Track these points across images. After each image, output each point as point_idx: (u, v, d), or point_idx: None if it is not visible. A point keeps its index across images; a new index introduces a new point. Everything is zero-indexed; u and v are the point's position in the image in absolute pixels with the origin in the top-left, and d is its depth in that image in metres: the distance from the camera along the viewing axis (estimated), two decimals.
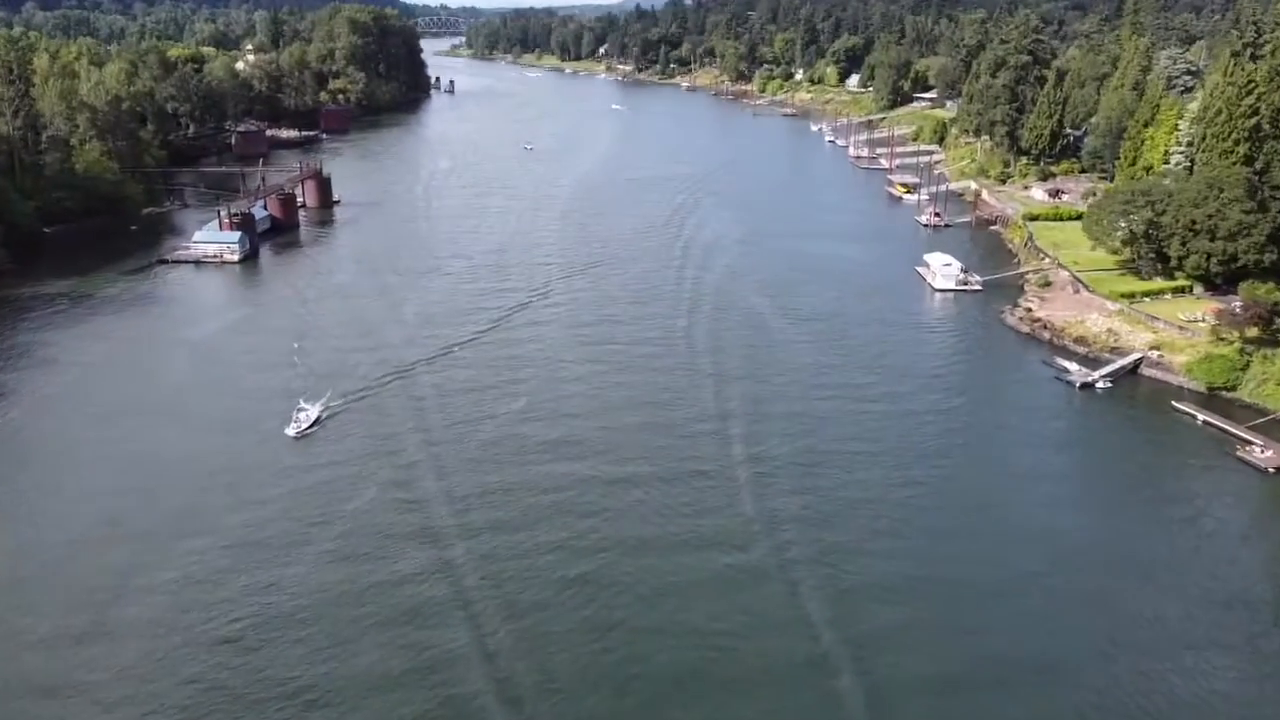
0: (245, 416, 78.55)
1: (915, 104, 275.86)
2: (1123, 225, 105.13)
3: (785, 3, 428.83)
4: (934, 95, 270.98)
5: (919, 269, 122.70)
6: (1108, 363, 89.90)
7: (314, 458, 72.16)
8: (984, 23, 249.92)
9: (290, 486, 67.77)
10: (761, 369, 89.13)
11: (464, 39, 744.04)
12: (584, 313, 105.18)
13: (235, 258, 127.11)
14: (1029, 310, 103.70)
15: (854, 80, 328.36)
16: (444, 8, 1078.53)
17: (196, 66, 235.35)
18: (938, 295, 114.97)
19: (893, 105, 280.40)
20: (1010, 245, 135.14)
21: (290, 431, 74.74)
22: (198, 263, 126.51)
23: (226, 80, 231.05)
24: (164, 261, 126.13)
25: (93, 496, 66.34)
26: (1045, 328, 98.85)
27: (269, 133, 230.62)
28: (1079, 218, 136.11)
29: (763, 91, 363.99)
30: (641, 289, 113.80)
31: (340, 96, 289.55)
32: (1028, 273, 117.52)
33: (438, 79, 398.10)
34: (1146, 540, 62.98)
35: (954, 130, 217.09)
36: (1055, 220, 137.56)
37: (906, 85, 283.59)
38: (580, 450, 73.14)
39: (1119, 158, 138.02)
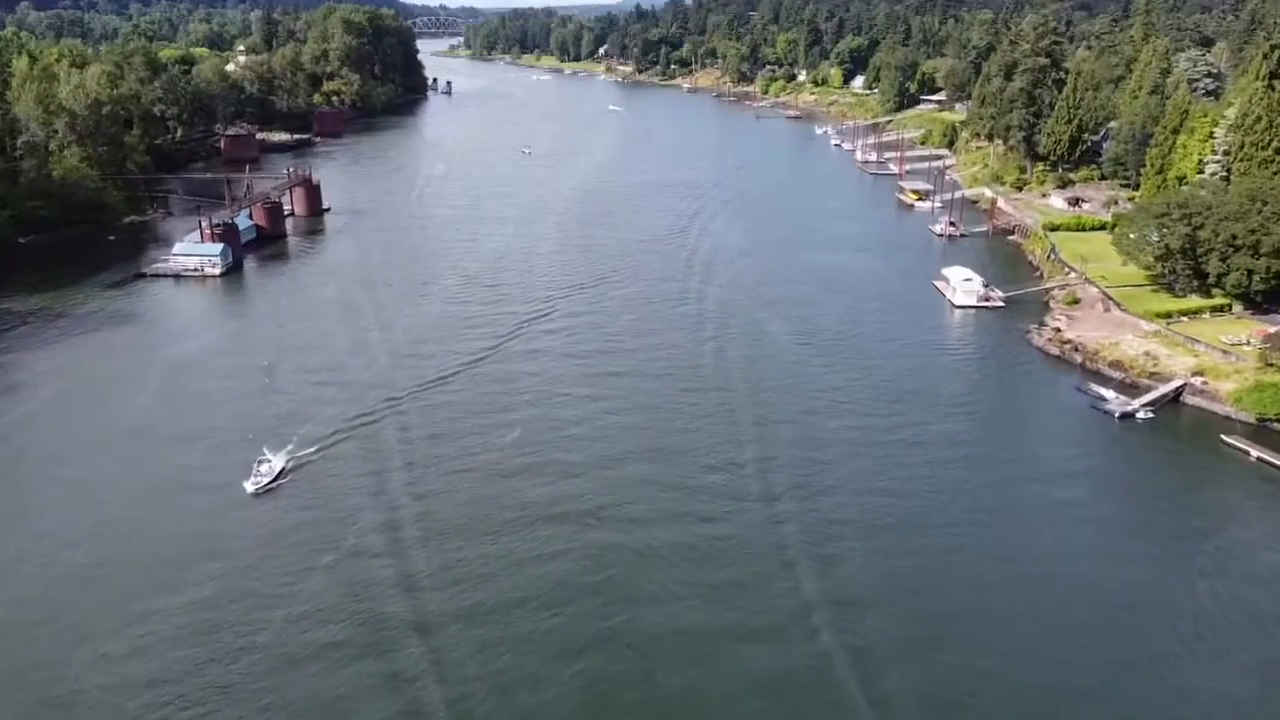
0: (203, 462, 70.62)
1: (922, 106, 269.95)
2: (1157, 240, 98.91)
3: (788, 2, 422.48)
4: (941, 98, 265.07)
5: (936, 283, 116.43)
6: (1147, 390, 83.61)
7: (269, 522, 62.75)
8: (994, 23, 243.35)
9: (236, 562, 58.24)
10: (775, 398, 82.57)
11: (462, 39, 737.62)
12: (584, 337, 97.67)
13: (217, 271, 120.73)
14: (1057, 330, 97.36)
15: (859, 82, 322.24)
16: (443, 8, 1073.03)
17: (185, 68, 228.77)
18: (957, 312, 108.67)
19: (899, 108, 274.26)
20: (1031, 258, 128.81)
21: (249, 487, 66.23)
22: (177, 276, 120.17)
23: (216, 82, 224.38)
24: (142, 275, 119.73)
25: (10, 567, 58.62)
26: (1076, 350, 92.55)
27: (259, 136, 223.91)
28: (1102, 228, 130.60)
29: (765, 93, 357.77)
30: (645, 309, 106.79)
31: (334, 99, 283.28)
32: (1053, 288, 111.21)
33: (435, 80, 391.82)
34: (1209, 601, 56.57)
35: (965, 134, 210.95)
36: (1078, 230, 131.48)
37: (913, 87, 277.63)
38: (582, 510, 64.28)
39: (1144, 165, 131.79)
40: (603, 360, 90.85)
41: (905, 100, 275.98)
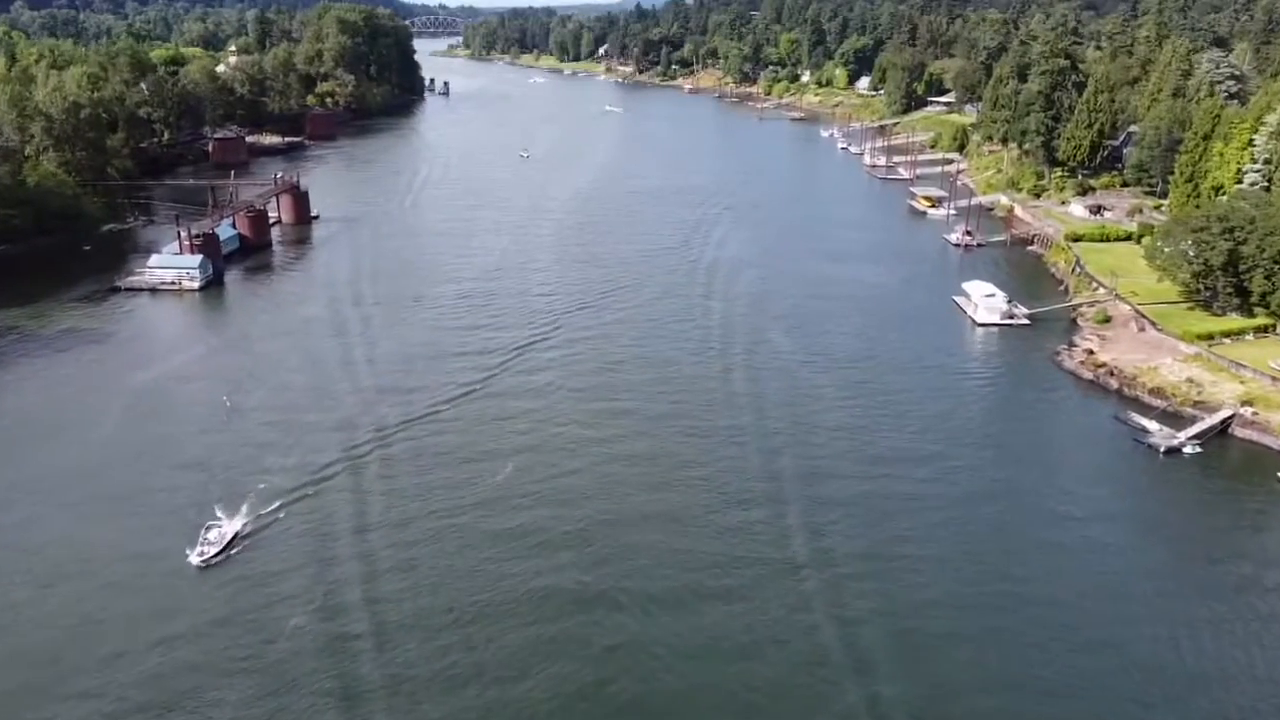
0: (147, 522, 62.27)
1: (930, 108, 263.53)
2: (1195, 256, 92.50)
3: (790, 2, 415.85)
4: (950, 99, 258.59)
5: (956, 299, 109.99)
6: (1192, 420, 77.20)
7: (212, 608, 53.79)
8: (1006, 23, 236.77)
9: (166, 658, 49.70)
10: (791, 439, 75.64)
11: (461, 39, 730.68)
12: (584, 366, 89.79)
13: (195, 285, 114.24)
14: (1090, 353, 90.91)
15: (864, 83, 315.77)
16: (442, 7, 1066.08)
17: (173, 70, 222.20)
18: (979, 330, 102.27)
19: (906, 109, 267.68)
20: (1054, 270, 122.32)
21: (194, 559, 57.32)
22: (154, 290, 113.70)
23: (204, 84, 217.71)
24: (116, 289, 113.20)
25: None
26: (1112, 374, 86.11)
27: (249, 139, 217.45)
28: (1128, 238, 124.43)
29: (768, 94, 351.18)
30: (649, 332, 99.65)
31: (328, 100, 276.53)
32: (1081, 305, 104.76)
33: (432, 81, 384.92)
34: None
35: (976, 137, 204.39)
36: (1102, 241, 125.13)
37: (920, 88, 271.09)
38: (577, 589, 55.74)
39: (1172, 173, 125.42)
40: (603, 392, 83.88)
41: (912, 102, 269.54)
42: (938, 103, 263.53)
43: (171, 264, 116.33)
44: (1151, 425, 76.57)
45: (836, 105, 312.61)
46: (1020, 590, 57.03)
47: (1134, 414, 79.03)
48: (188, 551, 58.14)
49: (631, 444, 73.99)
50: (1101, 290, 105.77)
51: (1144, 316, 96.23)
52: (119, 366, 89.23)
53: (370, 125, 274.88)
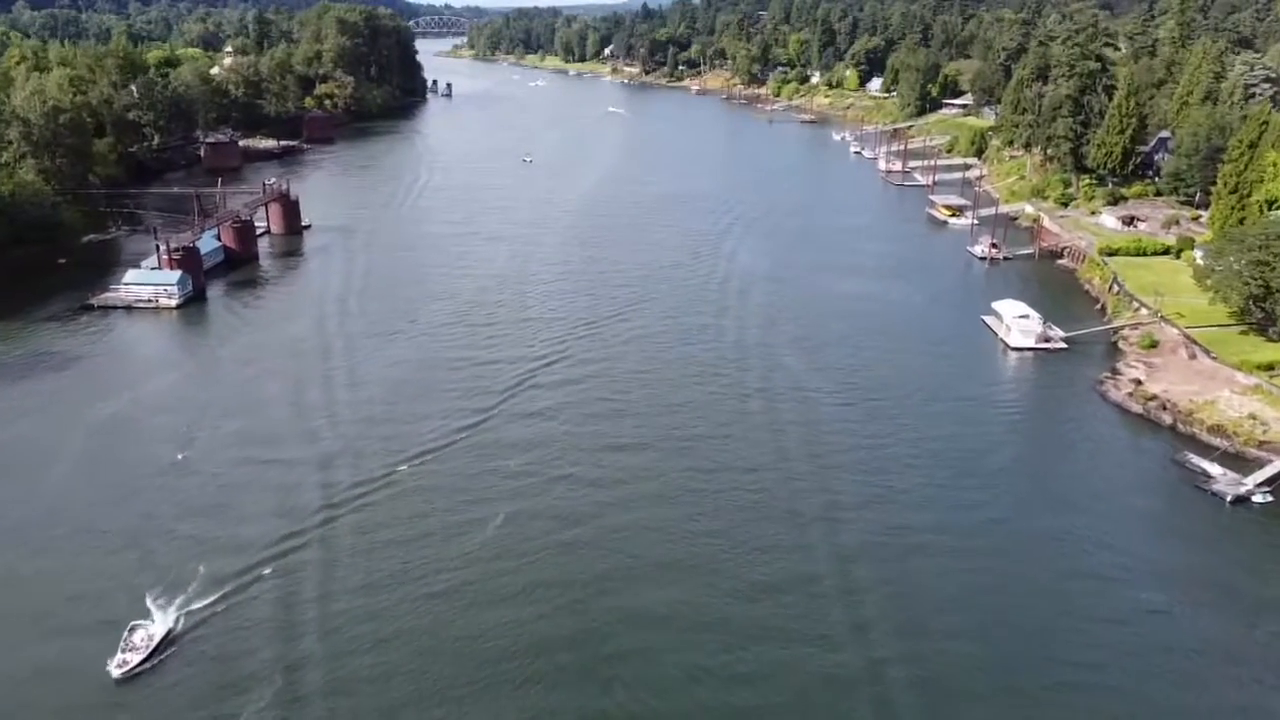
0: (71, 614, 52.43)
1: (944, 111, 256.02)
2: (1252, 276, 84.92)
3: (799, 2, 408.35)
4: (966, 101, 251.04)
5: (986, 319, 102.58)
6: (1257, 463, 69.87)
7: None
8: (1025, 23, 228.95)
9: None
10: (813, 477, 68.59)
11: (466, 40, 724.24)
12: (588, 397, 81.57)
13: (174, 302, 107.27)
14: (1138, 383, 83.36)
15: (876, 84, 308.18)
16: (448, 7, 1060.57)
17: (165, 71, 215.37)
18: (1013, 355, 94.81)
19: (920, 112, 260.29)
20: (1089, 287, 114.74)
21: (113, 670, 47.84)
22: (129, 308, 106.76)
23: (196, 86, 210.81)
24: (89, 307, 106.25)
25: None
26: (1164, 408, 78.57)
27: (243, 143, 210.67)
28: (1165, 252, 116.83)
29: (777, 95, 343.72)
30: (657, 355, 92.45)
31: (327, 102, 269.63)
32: (1123, 328, 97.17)
33: (434, 82, 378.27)
34: None
35: (996, 142, 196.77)
36: (1138, 255, 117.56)
37: (935, 90, 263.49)
38: (576, 682, 48.19)
39: (1213, 183, 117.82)
40: (608, 428, 76.27)
41: (927, 104, 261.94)
42: (953, 105, 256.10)
43: (148, 280, 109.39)
44: (1214, 469, 69.10)
45: (848, 107, 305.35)
46: (1072, 677, 49.64)
47: (1192, 455, 71.53)
48: (108, 661, 48.48)
49: (640, 489, 66.65)
50: (1144, 311, 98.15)
51: (1194, 342, 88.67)
52: (81, 396, 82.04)
53: (370, 128, 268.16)
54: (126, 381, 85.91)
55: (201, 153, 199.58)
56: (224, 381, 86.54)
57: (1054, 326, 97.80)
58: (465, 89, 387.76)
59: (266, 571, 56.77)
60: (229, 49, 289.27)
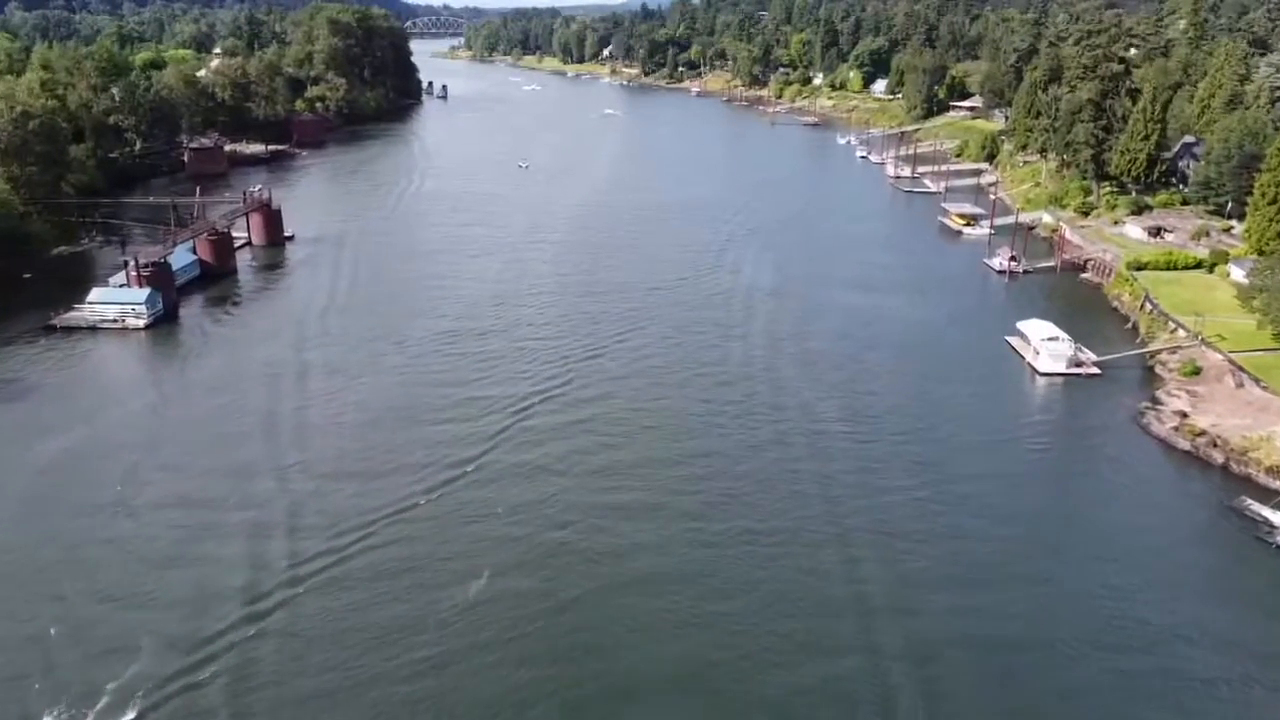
0: None
1: (952, 113, 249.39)
2: None
3: (800, 2, 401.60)
4: (974, 104, 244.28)
5: (1011, 340, 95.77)
6: None
7: None
8: (1036, 24, 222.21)
9: None
10: (839, 538, 61.24)
11: (463, 40, 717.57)
12: (590, 445, 72.77)
13: (142, 323, 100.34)
14: (1183, 415, 76.44)
15: (880, 86, 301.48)
16: (446, 8, 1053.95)
17: (147, 74, 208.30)
18: (1042, 381, 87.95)
19: (927, 115, 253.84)
20: (1118, 304, 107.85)
21: None
22: (94, 328, 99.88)
23: (179, 88, 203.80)
24: (51, 328, 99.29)
25: None
26: (1215, 445, 71.68)
27: (230, 148, 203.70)
28: (1198, 265, 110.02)
29: (779, 97, 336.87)
30: (659, 384, 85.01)
31: (318, 105, 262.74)
32: (1160, 352, 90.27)
33: (430, 84, 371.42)
34: None
35: (1008, 146, 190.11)
36: (1168, 269, 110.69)
37: (942, 92, 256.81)
38: None
39: (1249, 192, 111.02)
40: (608, 481, 68.30)
41: (934, 106, 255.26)
42: (961, 108, 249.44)
43: (115, 299, 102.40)
44: (1276, 518, 62.28)
45: (852, 110, 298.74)
46: None
47: (1250, 501, 64.72)
48: None
49: (645, 562, 58.99)
50: (1182, 333, 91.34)
51: (1241, 369, 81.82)
52: (29, 432, 74.96)
53: (362, 131, 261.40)
54: (81, 413, 78.89)
55: (185, 158, 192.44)
56: (187, 414, 79.43)
57: (1085, 349, 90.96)
58: (462, 91, 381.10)
59: (192, 680, 47.48)
60: (217, 50, 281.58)
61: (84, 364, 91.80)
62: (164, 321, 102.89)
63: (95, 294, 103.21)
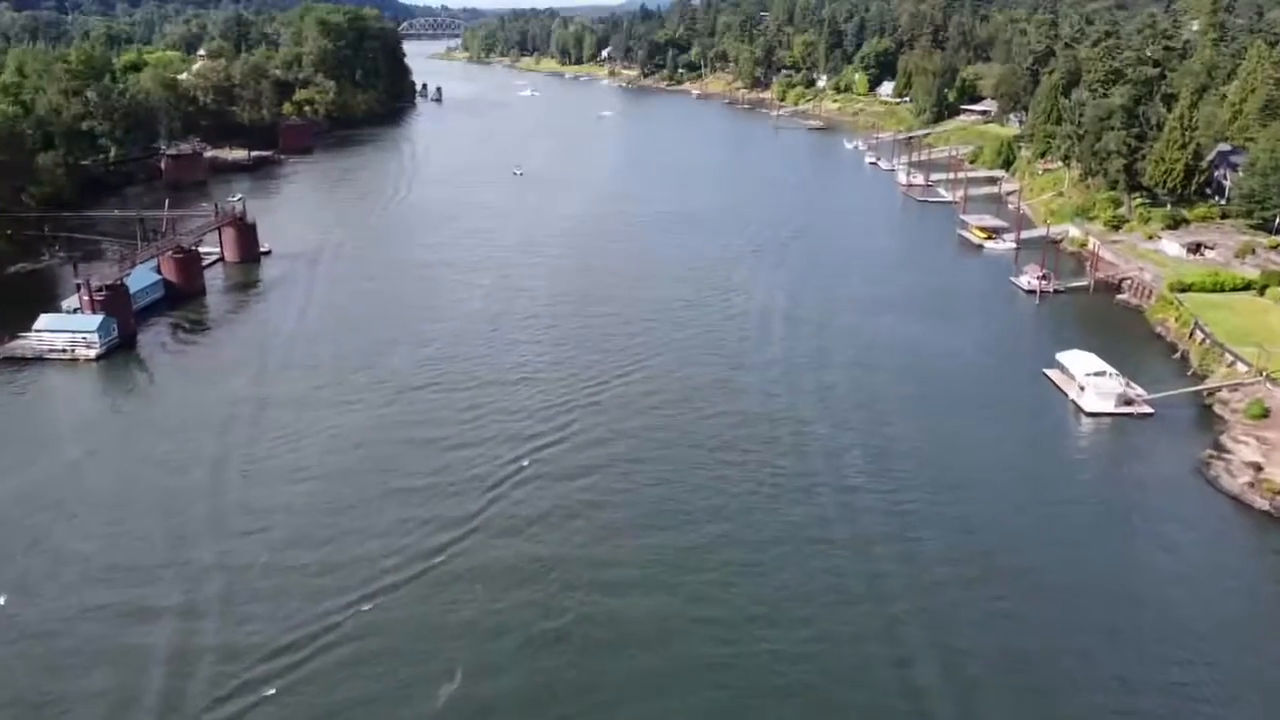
0: None
1: (963, 117, 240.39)
2: None
3: (802, 2, 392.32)
4: (986, 107, 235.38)
5: (1049, 373, 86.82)
6: None
7: None
8: (1052, 24, 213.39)
9: None
10: (869, 618, 52.84)
11: (460, 41, 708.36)
12: (589, 512, 63.71)
13: (93, 353, 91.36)
14: (1257, 468, 67.44)
15: (887, 88, 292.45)
16: (444, 9, 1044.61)
17: (124, 77, 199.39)
18: (1088, 422, 78.92)
19: (937, 119, 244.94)
20: (1162, 330, 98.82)
21: None
22: (41, 359, 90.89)
23: (157, 92, 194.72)
24: None
25: None
26: None
27: (210, 155, 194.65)
28: (1248, 287, 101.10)
29: (782, 100, 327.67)
30: (670, 434, 75.35)
31: (306, 109, 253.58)
32: (1220, 389, 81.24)
33: (424, 86, 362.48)
34: None
35: (1026, 153, 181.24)
36: (1216, 291, 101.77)
37: (952, 95, 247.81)
38: None
39: None
40: (607, 553, 59.52)
41: (944, 110, 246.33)
42: (972, 111, 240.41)
43: (64, 326, 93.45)
44: None
45: (858, 113, 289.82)
46: None
47: None
48: None
49: (646, 663, 50.25)
50: (1242, 367, 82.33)
51: None
52: None
53: (352, 136, 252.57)
54: (11, 462, 69.86)
55: (162, 165, 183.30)
56: (127, 464, 70.41)
57: (1134, 385, 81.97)
58: (457, 93, 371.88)
59: None
60: (201, 52, 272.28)
61: (20, 401, 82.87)
62: (119, 351, 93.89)
63: (43, 321, 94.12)
